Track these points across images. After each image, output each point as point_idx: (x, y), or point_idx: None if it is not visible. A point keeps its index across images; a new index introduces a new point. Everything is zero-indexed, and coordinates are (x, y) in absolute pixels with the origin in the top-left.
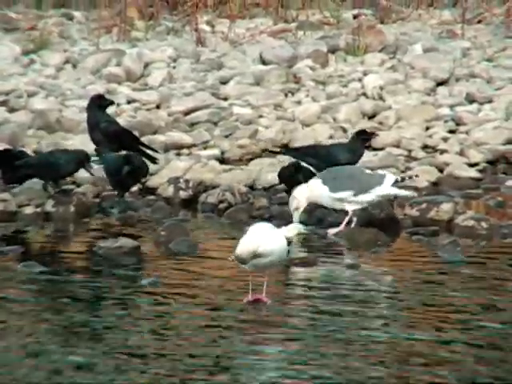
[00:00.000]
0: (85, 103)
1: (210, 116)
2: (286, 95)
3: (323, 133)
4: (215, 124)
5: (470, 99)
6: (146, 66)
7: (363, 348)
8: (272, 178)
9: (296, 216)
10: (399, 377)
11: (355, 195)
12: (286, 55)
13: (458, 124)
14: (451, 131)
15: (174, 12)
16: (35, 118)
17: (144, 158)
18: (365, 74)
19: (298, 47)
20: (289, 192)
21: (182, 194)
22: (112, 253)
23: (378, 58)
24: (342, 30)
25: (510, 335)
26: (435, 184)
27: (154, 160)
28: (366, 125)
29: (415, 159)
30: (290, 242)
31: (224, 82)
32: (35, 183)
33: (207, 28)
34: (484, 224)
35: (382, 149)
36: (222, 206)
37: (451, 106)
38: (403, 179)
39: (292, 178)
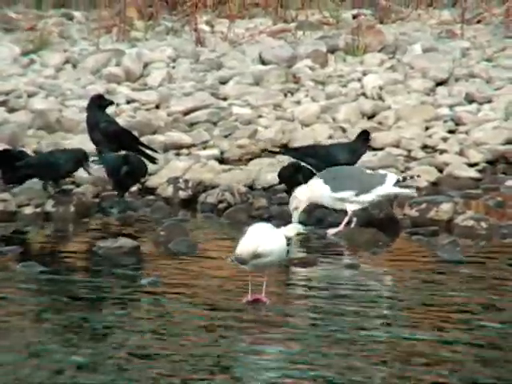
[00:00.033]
0: (84, 103)
1: (210, 116)
2: (285, 95)
3: (322, 133)
4: (215, 124)
5: (470, 99)
6: (146, 66)
7: (364, 348)
8: (271, 178)
9: (295, 216)
10: (400, 376)
11: (357, 195)
12: (285, 55)
13: (457, 124)
14: (451, 131)
15: (174, 12)
16: (35, 118)
17: (143, 158)
18: (364, 73)
19: (297, 47)
20: (288, 192)
21: (182, 194)
22: (112, 253)
23: (377, 57)
24: (341, 30)
25: (510, 335)
26: (435, 184)
27: (153, 160)
28: (365, 125)
29: (415, 159)
30: (289, 243)
31: (223, 82)
32: (35, 183)
33: (206, 28)
34: (483, 224)
35: (381, 149)
36: (221, 206)
37: (451, 106)
38: (405, 179)
39: (292, 178)
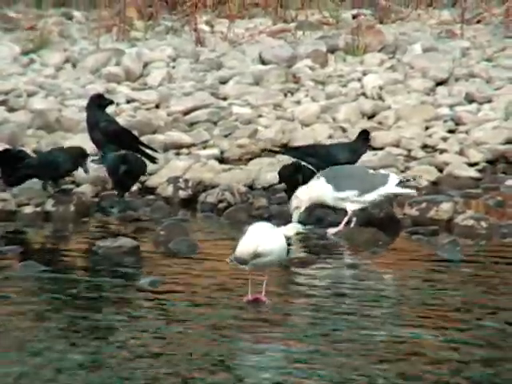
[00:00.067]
0: (84, 103)
1: (210, 116)
2: (285, 95)
3: (322, 132)
4: (214, 124)
5: (470, 99)
6: (146, 65)
7: (364, 347)
8: (271, 177)
9: (295, 216)
10: (400, 376)
11: (359, 195)
12: (285, 55)
13: (457, 124)
14: (451, 131)
15: (174, 12)
16: (35, 118)
17: (143, 158)
18: (364, 73)
19: (297, 47)
20: (288, 191)
21: (182, 194)
22: (111, 252)
23: (377, 57)
24: (341, 30)
25: (510, 334)
26: (435, 183)
27: (153, 159)
28: (365, 125)
29: (415, 159)
30: (289, 242)
31: (223, 82)
32: (35, 183)
33: (206, 28)
34: (483, 223)
35: (381, 148)
36: (221, 205)
37: (451, 106)
38: (407, 180)
39: (292, 177)
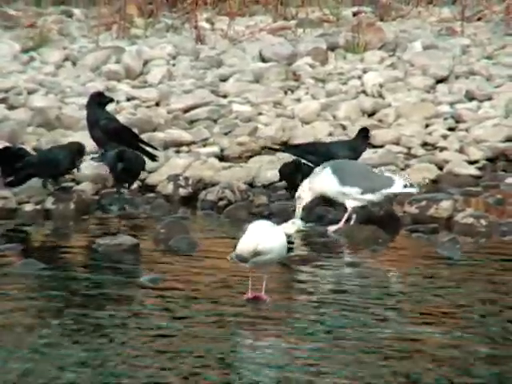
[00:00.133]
0: (84, 100)
1: (210, 113)
2: (285, 93)
3: (323, 130)
4: (215, 121)
5: (470, 97)
6: (146, 63)
7: (366, 344)
8: (271, 175)
9: (298, 207)
10: (401, 372)
11: (362, 193)
12: (285, 53)
13: (457, 121)
14: (451, 129)
15: (174, 9)
16: (35, 116)
17: (143, 155)
18: (364, 71)
19: (297, 45)
20: (289, 189)
21: (182, 192)
22: (111, 250)
23: (377, 55)
24: (341, 28)
25: (510, 332)
26: (435, 181)
27: (153, 157)
28: (365, 122)
29: (415, 157)
30: (290, 241)
31: (223, 80)
32: (35, 181)
33: (207, 25)
34: (483, 221)
35: (381, 146)
36: (221, 203)
37: (451, 104)
38: (412, 185)
39: (292, 175)
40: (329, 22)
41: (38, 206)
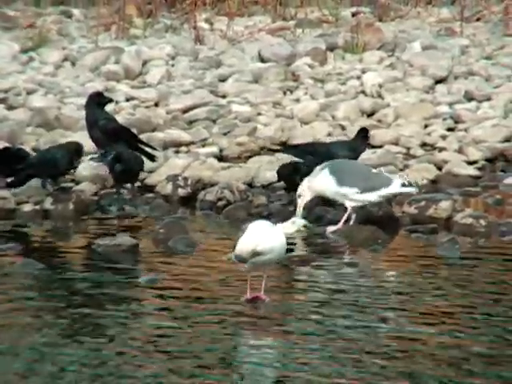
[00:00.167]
0: (83, 101)
1: (209, 114)
2: (284, 93)
3: (322, 130)
4: (214, 122)
5: (469, 97)
6: (145, 63)
7: (365, 343)
8: (271, 175)
9: (299, 205)
10: (401, 371)
11: (360, 193)
12: (284, 53)
13: (456, 122)
14: (450, 129)
15: (173, 10)
16: (34, 116)
17: (142, 155)
18: (363, 71)
19: (296, 45)
20: (288, 190)
21: (181, 192)
22: (110, 250)
23: (376, 55)
24: (340, 28)
25: (510, 332)
26: (434, 182)
27: (152, 157)
28: (364, 122)
29: (414, 157)
30: (291, 242)
31: (222, 80)
32: (34, 181)
33: (206, 26)
34: (482, 222)
35: (380, 146)
36: (220, 203)
37: (450, 104)
38: (410, 184)
39: (291, 176)
40: (328, 23)
41: (37, 207)
